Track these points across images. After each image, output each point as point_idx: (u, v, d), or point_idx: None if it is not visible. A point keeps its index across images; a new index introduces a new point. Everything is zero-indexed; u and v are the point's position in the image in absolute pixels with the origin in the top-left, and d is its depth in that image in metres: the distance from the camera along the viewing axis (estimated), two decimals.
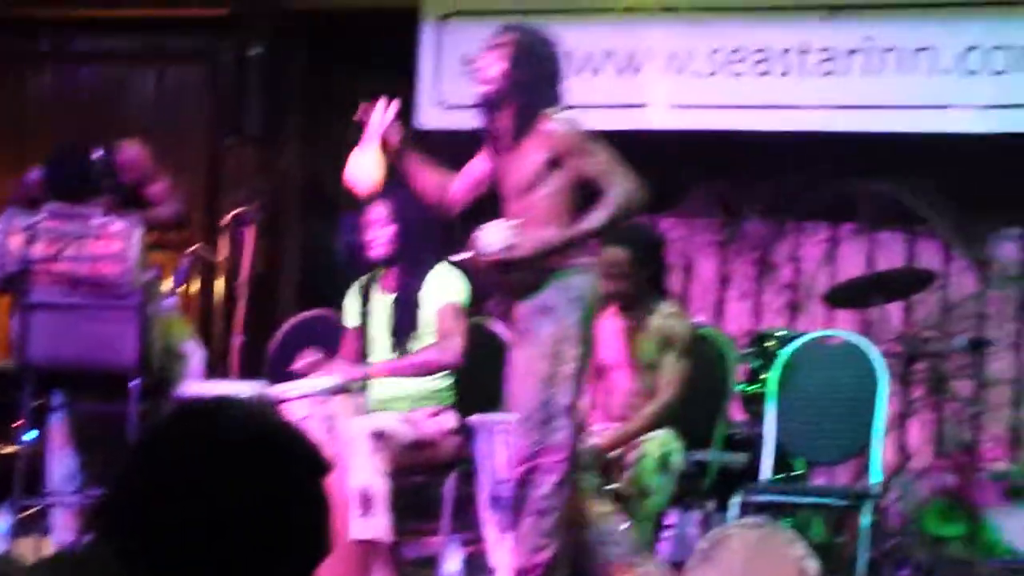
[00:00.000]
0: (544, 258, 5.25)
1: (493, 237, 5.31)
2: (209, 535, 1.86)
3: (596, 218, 5.24)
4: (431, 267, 6.26)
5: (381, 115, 5.62)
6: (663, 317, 6.37)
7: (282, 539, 1.89)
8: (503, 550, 5.60)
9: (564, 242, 5.26)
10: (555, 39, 5.53)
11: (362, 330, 6.39)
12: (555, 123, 5.31)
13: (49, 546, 6.53)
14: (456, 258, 5.78)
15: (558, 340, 5.27)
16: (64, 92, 9.35)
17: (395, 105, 5.60)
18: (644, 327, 6.37)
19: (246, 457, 1.90)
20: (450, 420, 6.35)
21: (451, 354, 6.20)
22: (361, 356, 6.36)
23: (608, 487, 6.25)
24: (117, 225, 6.31)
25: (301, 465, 1.93)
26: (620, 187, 5.24)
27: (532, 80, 5.34)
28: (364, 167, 5.73)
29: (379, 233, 6.30)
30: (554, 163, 5.29)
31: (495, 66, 5.36)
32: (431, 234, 6.27)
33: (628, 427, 6.20)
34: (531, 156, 5.30)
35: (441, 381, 6.33)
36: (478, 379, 6.34)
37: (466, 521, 6.47)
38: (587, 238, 5.33)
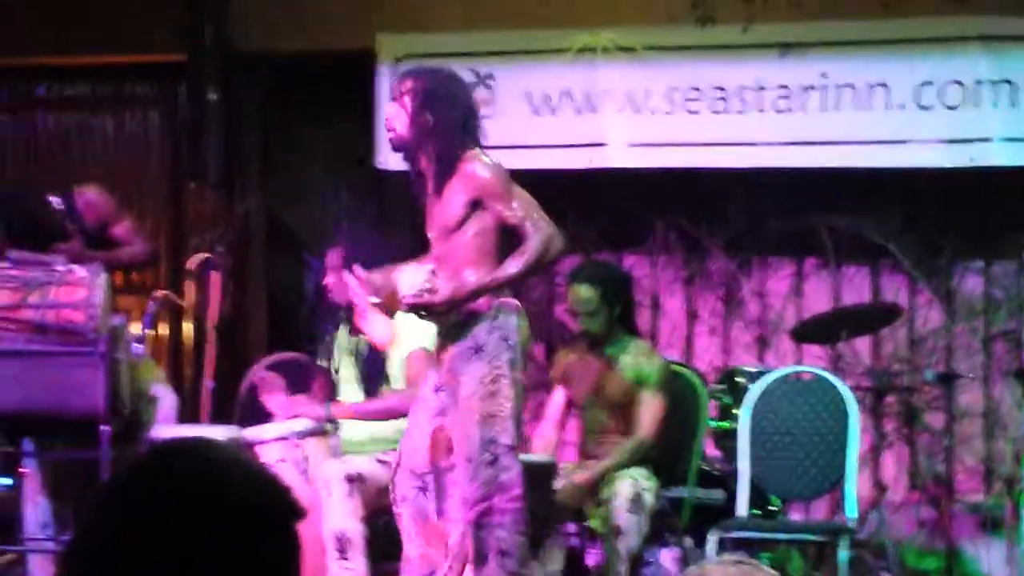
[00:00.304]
0: (460, 304, 5.22)
1: (410, 281, 5.30)
2: None
3: (514, 265, 5.18)
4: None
5: (353, 286, 5.67)
6: (634, 355, 6.40)
7: None
8: None
9: (481, 289, 5.21)
10: (462, 80, 5.48)
11: (335, 371, 6.39)
12: (476, 165, 5.24)
13: None
14: (373, 300, 5.75)
15: (492, 380, 5.21)
16: (24, 138, 9.30)
17: (340, 266, 5.61)
18: (614, 365, 6.39)
19: (217, 500, 1.86)
20: None
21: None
22: (331, 397, 6.35)
23: (583, 523, 6.28)
24: (81, 271, 6.26)
25: (273, 509, 1.90)
26: (539, 234, 5.18)
27: (441, 123, 5.24)
28: (379, 329, 6.11)
29: (336, 279, 6.29)
30: (476, 204, 5.23)
31: (400, 114, 5.28)
32: None
33: (605, 463, 6.20)
34: (454, 198, 5.23)
35: None
36: None
37: None
38: (504, 286, 5.26)
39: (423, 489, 5.35)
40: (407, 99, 5.26)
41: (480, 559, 5.28)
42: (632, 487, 6.06)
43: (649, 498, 6.11)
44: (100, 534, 1.85)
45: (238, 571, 1.83)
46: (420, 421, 5.38)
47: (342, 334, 6.41)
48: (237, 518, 1.84)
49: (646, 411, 6.31)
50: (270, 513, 1.87)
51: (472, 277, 5.20)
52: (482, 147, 5.28)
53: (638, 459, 6.22)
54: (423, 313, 5.26)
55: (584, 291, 6.38)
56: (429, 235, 5.36)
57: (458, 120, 5.25)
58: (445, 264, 5.27)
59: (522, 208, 5.23)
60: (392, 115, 5.29)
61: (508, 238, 5.24)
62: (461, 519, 5.27)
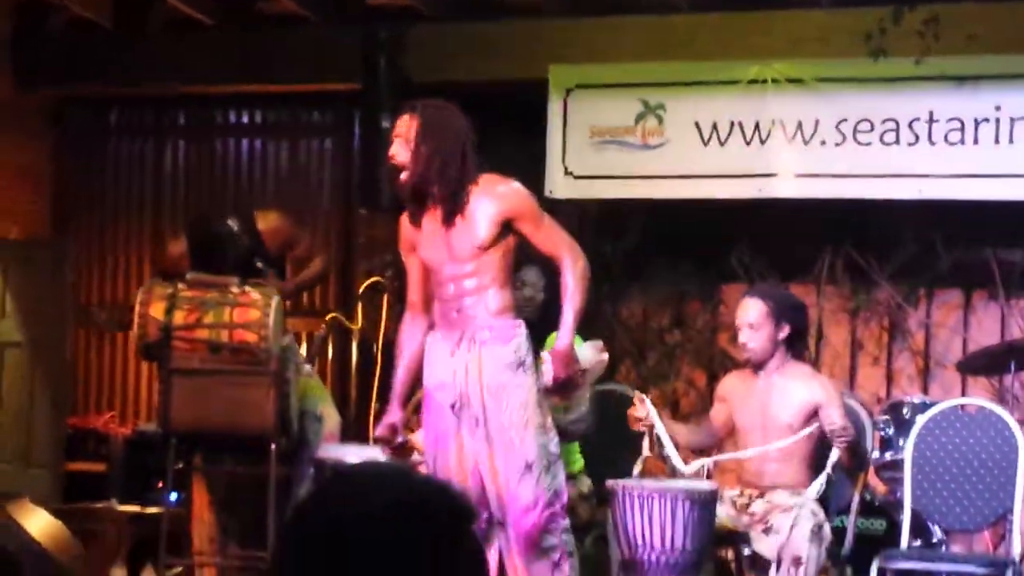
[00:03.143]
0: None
1: (587, 355, 5.61)
2: None
3: (579, 297, 5.44)
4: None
5: None
6: (804, 379, 6.32)
7: None
8: None
9: (573, 330, 5.47)
10: (458, 111, 5.57)
11: None
12: (510, 186, 5.46)
13: None
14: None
15: (538, 391, 5.42)
16: (201, 164, 9.55)
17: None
18: (782, 389, 6.31)
19: (400, 516, 1.94)
20: (584, 484, 6.38)
21: (581, 426, 6.24)
22: None
23: (748, 549, 6.22)
24: (255, 293, 6.42)
25: (454, 514, 1.98)
26: (581, 260, 5.46)
27: (441, 152, 5.36)
28: None
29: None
30: (506, 224, 5.41)
31: (404, 148, 5.40)
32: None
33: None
34: (483, 218, 5.39)
35: (571, 447, 6.35)
36: (612, 444, 6.38)
37: None
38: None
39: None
40: (412, 132, 5.41)
41: (551, 559, 5.41)
42: (814, 518, 5.98)
43: (828, 530, 6.04)
44: (296, 558, 1.94)
45: (438, 570, 1.91)
46: (447, 444, 5.49)
47: None
48: (426, 524, 1.93)
49: (839, 420, 6.14)
50: (451, 516, 1.96)
51: (499, 299, 5.43)
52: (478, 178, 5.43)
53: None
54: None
55: (751, 304, 6.34)
56: (432, 261, 5.49)
57: (457, 149, 5.38)
58: (476, 280, 5.43)
59: (555, 232, 5.48)
60: (397, 151, 5.41)
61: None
62: (523, 525, 5.37)
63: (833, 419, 6.11)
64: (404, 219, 5.61)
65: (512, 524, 5.40)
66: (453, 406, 5.47)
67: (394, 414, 5.65)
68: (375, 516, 1.92)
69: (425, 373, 5.58)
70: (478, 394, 5.43)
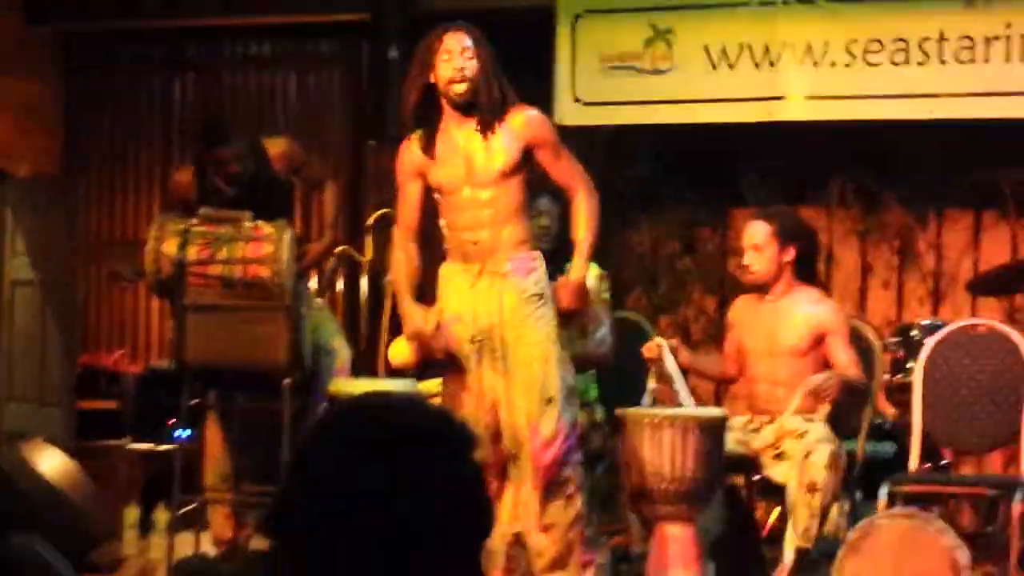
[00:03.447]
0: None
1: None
2: (385, 527, 1.93)
3: (592, 229, 5.59)
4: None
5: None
6: (811, 303, 6.29)
7: (455, 515, 1.97)
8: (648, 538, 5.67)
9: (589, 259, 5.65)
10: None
11: None
12: (534, 114, 5.57)
13: (206, 541, 6.70)
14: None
15: (555, 324, 5.51)
16: (209, 97, 9.54)
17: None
18: (788, 313, 6.31)
19: (408, 443, 1.97)
20: (596, 414, 6.41)
21: (603, 348, 6.25)
22: None
23: (752, 476, 6.24)
24: (267, 228, 6.43)
25: (460, 442, 2.01)
26: (594, 196, 5.59)
27: (495, 65, 5.53)
28: (400, 354, 6.18)
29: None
30: (527, 152, 5.51)
31: (462, 59, 5.48)
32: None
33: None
34: (508, 144, 5.48)
35: (585, 376, 6.38)
36: (623, 373, 6.40)
37: (612, 513, 6.53)
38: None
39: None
40: (463, 45, 5.49)
41: (565, 493, 5.50)
42: (831, 445, 5.95)
43: (844, 458, 6.03)
44: (302, 495, 1.97)
45: (438, 496, 1.95)
46: (463, 377, 5.55)
47: None
48: (429, 449, 1.97)
49: (845, 356, 6.18)
50: (457, 446, 1.99)
51: (518, 231, 5.53)
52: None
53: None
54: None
55: (756, 225, 6.32)
56: (448, 182, 5.55)
57: (498, 65, 5.54)
58: (494, 210, 5.50)
59: (573, 163, 5.61)
60: (458, 62, 5.46)
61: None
62: (543, 459, 5.44)
63: (836, 354, 6.13)
64: (409, 145, 5.66)
65: (532, 457, 5.44)
66: (472, 340, 5.51)
67: (415, 309, 5.67)
68: (382, 443, 1.96)
69: (440, 303, 5.62)
70: (499, 327, 5.47)
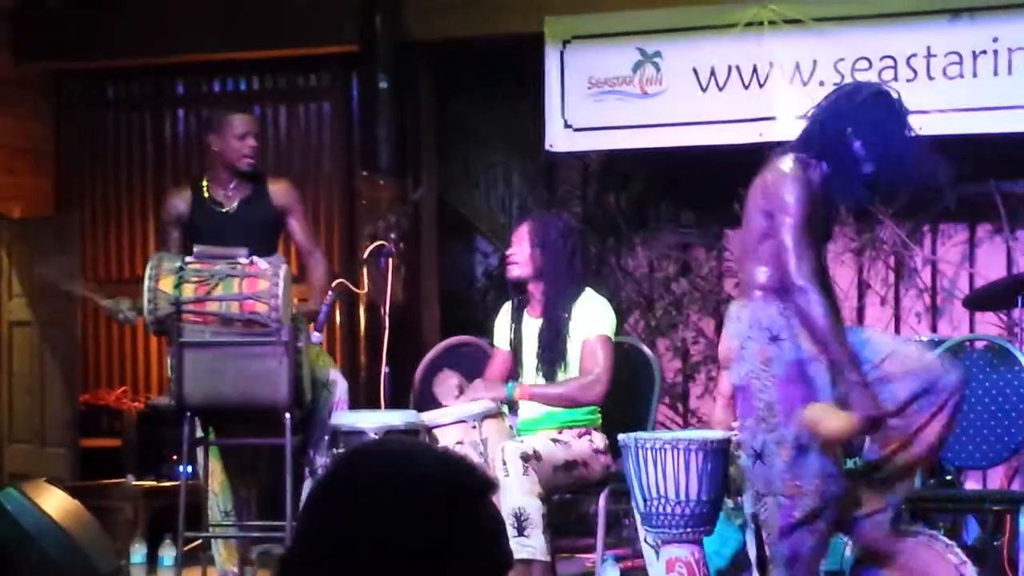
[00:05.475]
0: None
1: None
2: (400, 573, 1.93)
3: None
4: (575, 294, 6.33)
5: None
6: None
7: (468, 561, 1.97)
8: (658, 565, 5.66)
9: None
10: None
11: (514, 352, 6.49)
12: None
13: None
14: None
15: None
16: (201, 134, 9.53)
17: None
18: None
19: (419, 491, 1.97)
20: (599, 439, 6.41)
21: (594, 395, 6.28)
22: (512, 377, 6.45)
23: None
24: (262, 263, 6.42)
25: (470, 485, 2.01)
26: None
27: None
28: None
29: (517, 251, 6.39)
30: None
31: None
32: (573, 260, 6.35)
33: None
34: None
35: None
36: (624, 398, 6.40)
37: (620, 537, 6.53)
38: None
39: None
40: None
41: None
42: None
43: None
44: (318, 541, 1.97)
45: (456, 544, 1.94)
46: None
47: (522, 313, 6.49)
48: (443, 498, 1.96)
49: None
50: (469, 493, 1.99)
51: None
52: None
53: None
54: None
55: None
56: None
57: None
58: None
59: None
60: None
61: None
62: None
63: None
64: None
65: None
66: None
67: None
68: (400, 486, 1.96)
69: None
70: None
